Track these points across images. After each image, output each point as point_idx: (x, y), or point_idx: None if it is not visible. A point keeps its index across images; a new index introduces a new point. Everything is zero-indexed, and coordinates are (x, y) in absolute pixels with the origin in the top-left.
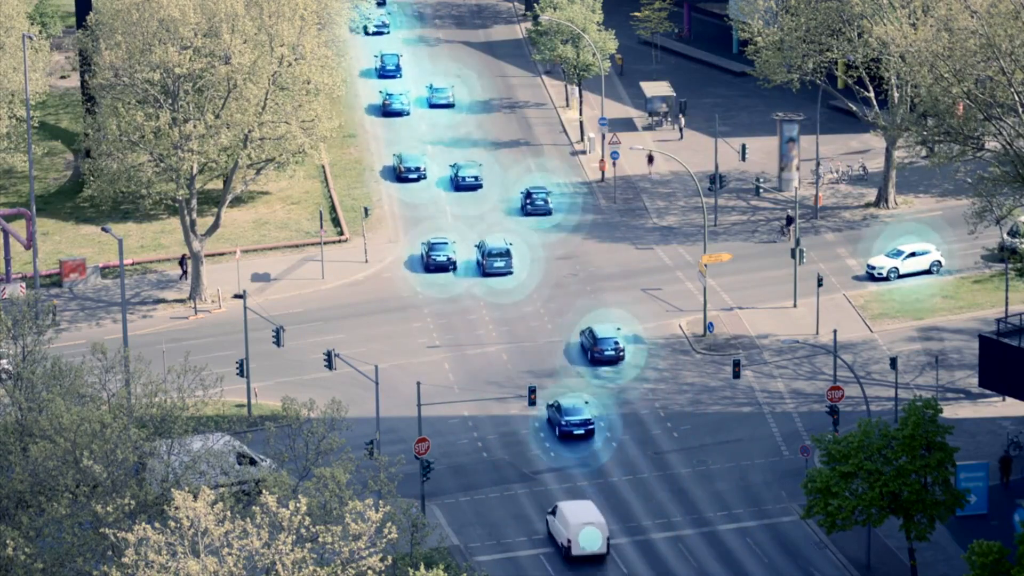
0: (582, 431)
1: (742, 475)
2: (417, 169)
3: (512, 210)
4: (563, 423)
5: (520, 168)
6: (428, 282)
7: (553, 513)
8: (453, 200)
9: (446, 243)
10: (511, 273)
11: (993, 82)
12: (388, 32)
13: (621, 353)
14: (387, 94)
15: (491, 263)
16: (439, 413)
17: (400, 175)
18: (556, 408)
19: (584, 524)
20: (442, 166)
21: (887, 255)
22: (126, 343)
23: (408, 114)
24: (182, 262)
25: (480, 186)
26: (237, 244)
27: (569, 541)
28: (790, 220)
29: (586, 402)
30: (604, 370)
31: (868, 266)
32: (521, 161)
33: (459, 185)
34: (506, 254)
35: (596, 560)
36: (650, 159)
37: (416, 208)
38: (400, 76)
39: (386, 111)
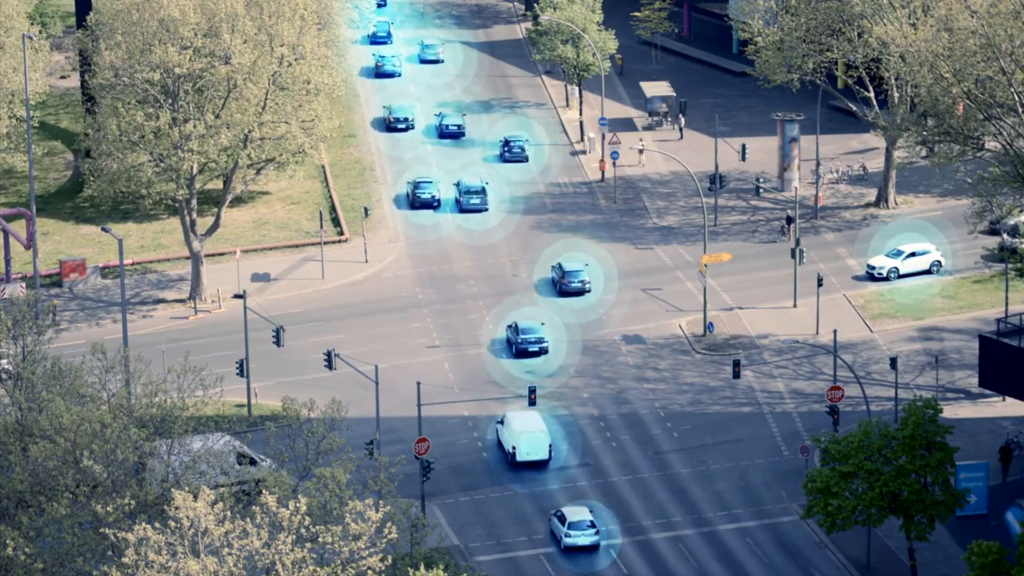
0: (536, 348)
1: (742, 475)
2: (405, 120)
3: (491, 157)
4: (519, 341)
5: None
6: (413, 217)
7: (502, 422)
8: (437, 147)
9: (430, 182)
10: (486, 209)
11: (993, 82)
12: (386, 5)
13: (587, 286)
14: (379, 57)
15: (467, 200)
16: (439, 413)
17: (390, 125)
18: (514, 328)
19: (528, 432)
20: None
21: (887, 255)
22: (126, 343)
23: (399, 75)
24: None
25: (463, 134)
26: (237, 244)
27: (514, 448)
28: (790, 220)
29: (542, 324)
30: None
31: (868, 266)
32: None
33: (443, 133)
34: (482, 192)
35: (539, 466)
36: (640, 150)
37: (402, 151)
38: (391, 42)
39: (379, 73)
